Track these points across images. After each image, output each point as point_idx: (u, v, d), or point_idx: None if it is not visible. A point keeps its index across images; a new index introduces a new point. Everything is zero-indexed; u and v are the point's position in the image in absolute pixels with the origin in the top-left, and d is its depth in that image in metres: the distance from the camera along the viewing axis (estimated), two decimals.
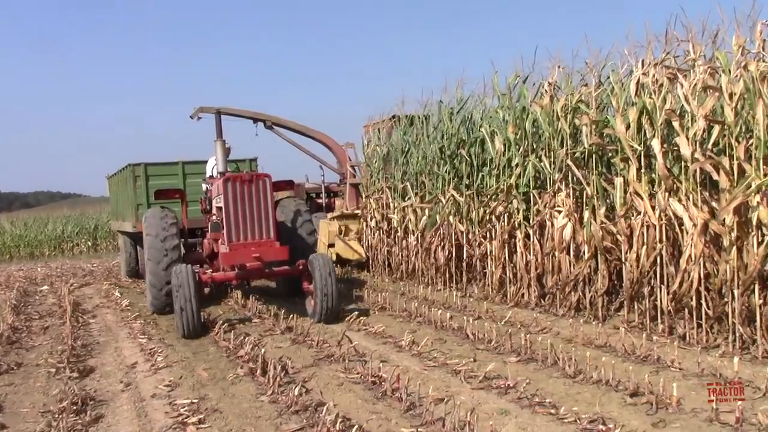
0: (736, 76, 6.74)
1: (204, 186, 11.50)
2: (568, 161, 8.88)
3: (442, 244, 11.97)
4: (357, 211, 15.51)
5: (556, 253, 9.15)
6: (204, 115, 17.79)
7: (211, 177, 11.03)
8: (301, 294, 10.18)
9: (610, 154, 8.50)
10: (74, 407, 5.94)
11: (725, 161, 6.73)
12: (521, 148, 9.95)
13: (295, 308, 9.82)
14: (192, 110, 18.14)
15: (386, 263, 14.29)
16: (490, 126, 10.70)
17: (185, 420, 5.56)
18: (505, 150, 10.31)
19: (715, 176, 6.81)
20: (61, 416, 5.69)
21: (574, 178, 8.94)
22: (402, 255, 13.55)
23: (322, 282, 9.10)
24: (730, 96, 6.70)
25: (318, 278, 9.13)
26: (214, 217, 10.38)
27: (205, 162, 13.25)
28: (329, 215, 15.84)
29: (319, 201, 18.33)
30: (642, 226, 7.76)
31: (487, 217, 10.80)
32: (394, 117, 14.80)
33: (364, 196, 15.85)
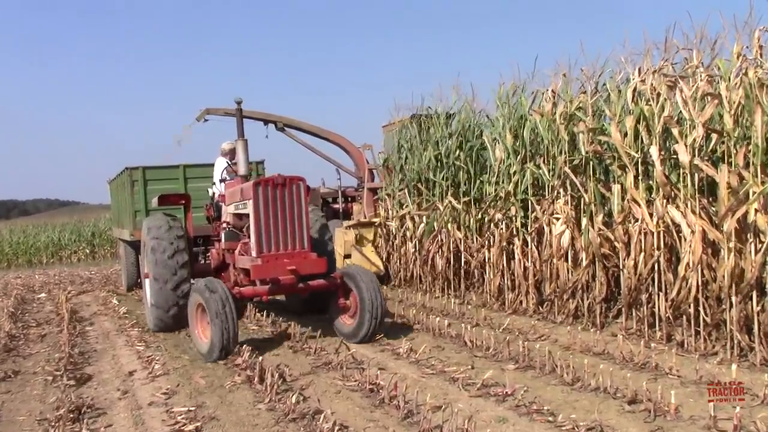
0: (736, 83, 6.75)
1: (210, 191, 10.83)
2: (566, 168, 8.89)
3: (440, 251, 11.97)
4: (375, 220, 14.46)
5: (554, 260, 9.16)
6: (211, 117, 17.28)
7: (222, 180, 10.36)
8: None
9: (608, 161, 8.52)
10: (71, 415, 5.92)
11: (724, 168, 6.74)
12: (519, 155, 9.96)
13: (292, 316, 9.80)
14: (198, 112, 17.60)
15: (385, 270, 14.23)
16: (492, 133, 10.71)
17: (182, 428, 5.54)
18: (504, 157, 10.32)
19: (717, 178, 6.81)
20: (57, 424, 5.68)
21: (573, 185, 8.94)
22: (400, 262, 13.54)
23: (369, 298, 8.23)
24: (730, 103, 6.71)
25: (364, 294, 8.26)
26: (225, 225, 9.69)
27: (209, 165, 12.59)
28: (345, 223, 14.81)
29: (336, 206, 17.79)
30: (640, 233, 7.76)
31: (485, 225, 10.80)
32: (413, 117, 13.84)
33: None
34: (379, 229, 14.17)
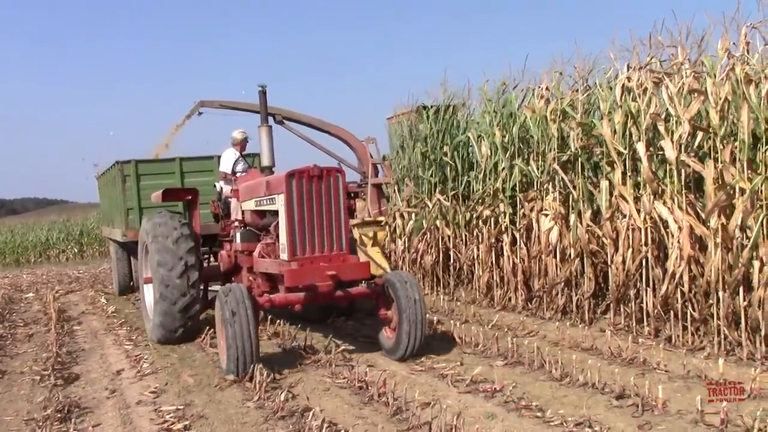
0: (722, 79, 6.79)
1: (218, 185, 9.93)
2: (555, 165, 8.91)
3: (429, 248, 11.97)
4: (381, 218, 13.10)
5: (543, 257, 9.18)
6: (205, 110, 16.66)
7: (234, 173, 9.57)
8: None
9: (597, 158, 8.54)
10: (59, 415, 5.89)
11: (710, 164, 6.78)
12: (509, 152, 9.97)
13: (282, 313, 9.76)
14: (192, 104, 16.30)
15: None
16: (477, 130, 10.72)
17: (170, 426, 5.53)
18: (491, 154, 10.33)
19: (704, 174, 6.86)
20: (45, 424, 5.65)
21: (561, 182, 8.96)
22: (390, 259, 13.48)
23: (409, 308, 7.16)
24: (716, 99, 6.75)
25: (404, 303, 7.19)
26: (238, 224, 8.82)
27: (209, 158, 12.46)
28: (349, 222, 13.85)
29: None
30: (627, 228, 7.79)
31: (474, 222, 10.82)
32: (419, 108, 12.95)
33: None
34: (387, 229, 13.13)
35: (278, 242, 7.56)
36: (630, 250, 7.76)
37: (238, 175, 9.63)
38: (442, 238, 11.66)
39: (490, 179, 10.37)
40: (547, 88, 9.48)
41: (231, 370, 6.71)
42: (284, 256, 7.27)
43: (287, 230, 7.16)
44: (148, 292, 9.25)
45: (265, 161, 8.59)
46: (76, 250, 31.81)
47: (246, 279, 8.54)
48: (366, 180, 15.67)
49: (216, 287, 9.04)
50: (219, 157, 10.51)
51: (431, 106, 12.36)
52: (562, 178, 8.86)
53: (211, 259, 10.32)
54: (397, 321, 7.37)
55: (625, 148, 7.85)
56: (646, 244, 7.60)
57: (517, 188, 9.83)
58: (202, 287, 9.08)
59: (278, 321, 9.17)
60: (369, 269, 7.52)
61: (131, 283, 14.05)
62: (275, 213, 7.70)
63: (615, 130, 7.94)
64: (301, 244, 7.17)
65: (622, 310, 8.14)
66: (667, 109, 7.32)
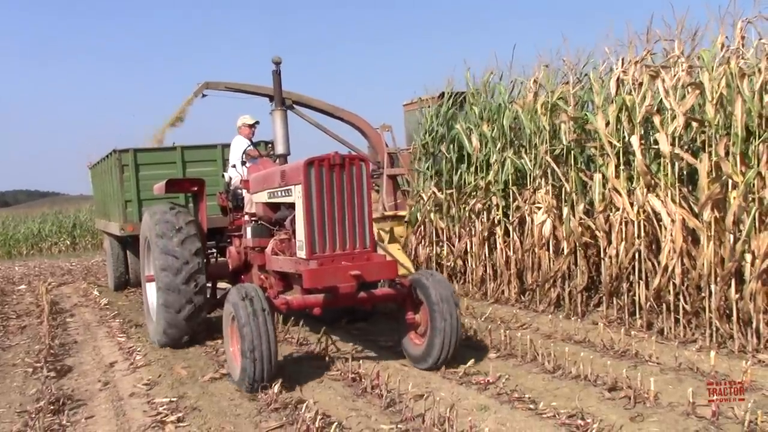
0: (718, 73, 6.80)
1: (227, 176, 9.18)
2: (548, 158, 8.91)
3: (423, 241, 11.97)
4: (403, 213, 12.08)
5: (536, 250, 9.20)
6: (210, 92, 16.22)
7: (244, 163, 8.67)
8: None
9: (590, 151, 8.55)
10: (51, 407, 5.88)
11: (704, 158, 6.80)
12: (498, 144, 9.96)
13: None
14: (195, 86, 15.74)
15: None
16: (466, 123, 10.70)
17: (164, 419, 5.52)
18: (482, 146, 10.33)
19: (699, 167, 6.88)
20: (38, 416, 5.63)
21: (554, 175, 8.97)
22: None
23: (441, 316, 6.44)
24: (712, 93, 6.76)
25: (436, 310, 6.46)
26: (248, 218, 8.21)
27: (212, 147, 12.19)
28: None
29: None
30: (621, 222, 7.81)
31: (467, 214, 10.82)
32: (441, 95, 12.17)
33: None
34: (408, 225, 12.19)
35: (295, 238, 6.88)
36: (623, 243, 7.79)
37: (248, 165, 8.80)
38: (436, 231, 11.65)
39: (481, 172, 10.37)
40: (535, 81, 9.47)
41: (246, 381, 6.02)
42: (302, 253, 6.55)
43: (305, 225, 6.40)
44: (151, 291, 8.59)
45: (280, 148, 7.83)
46: (68, 243, 31.66)
47: (257, 278, 8.04)
48: (380, 170, 15.19)
49: (223, 285, 8.75)
50: (223, 145, 10.28)
51: (444, 94, 12.13)
52: (554, 171, 8.87)
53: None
54: (428, 326, 6.62)
55: (618, 141, 7.86)
56: (639, 237, 7.62)
57: (510, 181, 9.83)
58: (209, 285, 8.65)
59: None
60: (396, 269, 6.76)
61: (127, 280, 13.60)
62: (291, 206, 7.00)
63: (608, 123, 7.95)
64: (320, 241, 6.41)
65: (614, 302, 8.17)
66: (662, 102, 7.34)
